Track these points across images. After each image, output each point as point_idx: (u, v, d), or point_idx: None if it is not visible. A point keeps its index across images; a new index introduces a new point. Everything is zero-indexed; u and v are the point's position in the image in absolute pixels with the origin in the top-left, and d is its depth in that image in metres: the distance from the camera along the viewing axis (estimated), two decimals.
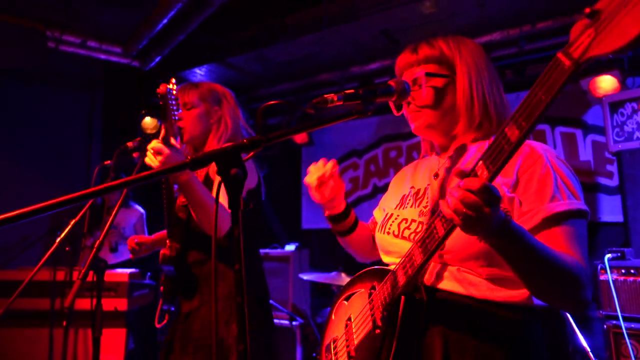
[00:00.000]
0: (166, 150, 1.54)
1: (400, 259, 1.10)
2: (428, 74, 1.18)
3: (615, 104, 3.22)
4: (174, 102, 1.52)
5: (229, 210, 1.60)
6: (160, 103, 1.51)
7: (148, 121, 4.39)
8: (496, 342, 1.02)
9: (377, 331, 1.10)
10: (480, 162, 0.86)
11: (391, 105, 1.17)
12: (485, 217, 0.82)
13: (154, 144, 1.57)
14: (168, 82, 1.52)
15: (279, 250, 4.77)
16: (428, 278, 1.09)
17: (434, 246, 0.97)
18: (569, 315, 2.54)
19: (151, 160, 1.56)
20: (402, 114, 1.24)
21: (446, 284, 1.07)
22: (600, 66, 3.37)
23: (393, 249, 1.23)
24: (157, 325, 2.11)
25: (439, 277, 1.08)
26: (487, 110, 1.18)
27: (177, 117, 1.56)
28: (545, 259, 0.92)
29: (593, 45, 0.68)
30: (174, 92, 1.51)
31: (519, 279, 0.96)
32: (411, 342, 1.02)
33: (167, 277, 1.90)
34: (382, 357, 1.05)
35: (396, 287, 1.08)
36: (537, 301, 1.05)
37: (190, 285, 1.85)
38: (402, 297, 1.03)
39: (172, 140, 1.59)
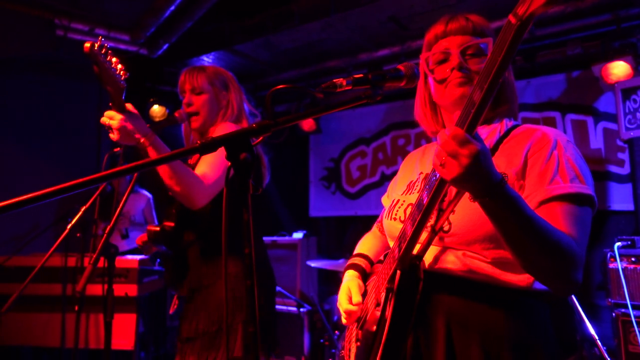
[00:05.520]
0: (118, 116, 1.45)
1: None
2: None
3: (627, 91, 3.17)
4: (108, 61, 1.36)
5: (206, 183, 1.56)
6: (95, 69, 1.34)
7: (156, 109, 4.40)
8: (502, 318, 1.03)
9: (379, 309, 1.11)
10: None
11: (424, 58, 1.15)
12: (468, 166, 0.82)
13: (107, 112, 1.47)
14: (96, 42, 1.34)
15: (286, 238, 4.80)
16: (430, 262, 1.09)
17: (420, 216, 0.98)
18: (576, 303, 2.53)
19: (110, 131, 1.49)
20: (405, 104, 1.24)
21: (448, 266, 1.07)
22: (613, 52, 3.31)
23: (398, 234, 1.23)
24: (170, 312, 2.12)
25: (441, 260, 1.08)
26: (506, 92, 1.20)
27: (120, 76, 1.40)
28: (539, 230, 0.91)
29: (534, 1, 0.72)
30: (105, 49, 1.35)
31: (509, 248, 0.95)
32: (407, 317, 1.03)
33: (164, 257, 1.89)
34: (378, 334, 1.06)
35: (393, 264, 1.09)
36: (541, 286, 1.04)
37: (188, 266, 1.84)
38: (398, 271, 1.04)
39: (129, 106, 1.48)
